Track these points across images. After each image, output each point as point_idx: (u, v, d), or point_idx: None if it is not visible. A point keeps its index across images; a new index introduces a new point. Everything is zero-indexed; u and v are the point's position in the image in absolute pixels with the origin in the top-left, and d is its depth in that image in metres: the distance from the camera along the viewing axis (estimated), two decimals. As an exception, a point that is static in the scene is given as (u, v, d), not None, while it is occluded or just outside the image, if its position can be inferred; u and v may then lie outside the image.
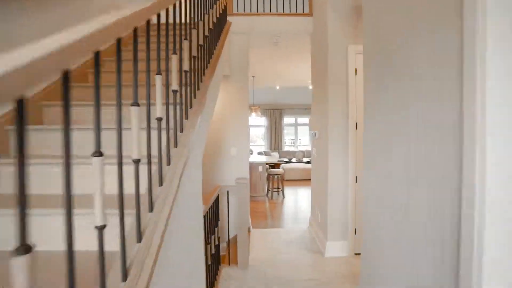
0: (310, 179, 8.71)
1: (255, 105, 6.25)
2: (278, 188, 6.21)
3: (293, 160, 9.78)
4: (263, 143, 11.99)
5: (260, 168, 5.44)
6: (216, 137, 3.67)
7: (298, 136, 12.19)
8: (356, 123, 2.89)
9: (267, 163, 5.76)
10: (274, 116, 11.72)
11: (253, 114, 6.28)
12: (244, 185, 2.58)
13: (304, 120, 12.19)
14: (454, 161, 1.04)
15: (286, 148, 12.48)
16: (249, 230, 3.71)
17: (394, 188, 1.51)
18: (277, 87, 10.93)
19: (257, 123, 12.05)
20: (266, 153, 11.00)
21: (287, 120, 12.02)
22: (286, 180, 7.90)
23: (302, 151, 11.12)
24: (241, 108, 3.71)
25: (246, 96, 3.73)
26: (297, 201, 5.67)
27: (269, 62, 5.58)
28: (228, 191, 2.73)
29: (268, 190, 6.05)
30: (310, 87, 10.35)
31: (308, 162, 9.49)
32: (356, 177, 2.92)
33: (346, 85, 2.93)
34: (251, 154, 8.68)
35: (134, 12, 0.77)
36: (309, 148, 12.23)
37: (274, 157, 10.94)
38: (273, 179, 5.78)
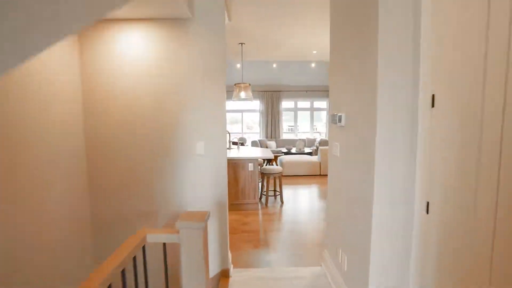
0: (313, 175, 7.36)
1: (245, 82, 4.73)
2: (274, 190, 4.79)
3: (293, 150, 8.35)
4: (258, 130, 10.52)
5: (251, 166, 4.00)
6: (165, 125, 2.19)
7: (297, 122, 10.71)
8: (433, 96, 1.42)
9: (261, 159, 4.31)
10: (271, 99, 10.19)
11: (242, 93, 4.79)
12: (197, 233, 1.14)
13: (305, 104, 10.66)
14: None
15: (284, 136, 11.03)
16: (227, 275, 2.30)
17: None
18: (274, 65, 9.35)
19: (251, 107, 10.51)
20: (261, 143, 9.55)
21: (286, 104, 10.50)
22: (285, 176, 6.49)
23: (302, 140, 9.68)
24: (214, 79, 2.21)
25: (222, 59, 2.22)
26: (299, 208, 4.27)
27: (263, 22, 4.03)
28: (165, 245, 1.29)
29: (261, 194, 4.64)
30: (313, 65, 8.75)
31: (310, 153, 8.07)
32: (428, 203, 1.48)
33: (412, 17, 1.44)
34: (241, 145, 7.18)
35: None
36: (311, 136, 10.79)
37: (271, 147, 9.51)
38: (268, 179, 4.36)
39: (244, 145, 9.50)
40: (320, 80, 9.97)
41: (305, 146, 9.72)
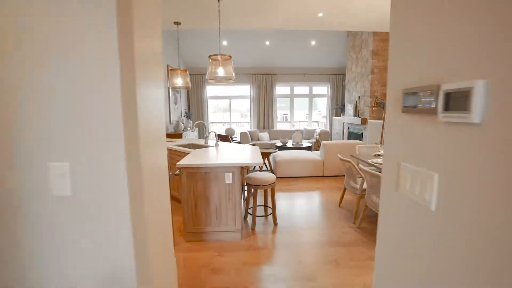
0: (314, 177, 5.12)
1: (224, 54, 3.34)
2: (265, 206, 3.49)
3: (289, 144, 7.04)
4: (249, 120, 9.16)
5: (229, 177, 2.67)
6: None
7: (294, 110, 9.35)
8: None
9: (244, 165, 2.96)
10: (263, 83, 8.78)
11: (220, 70, 3.40)
12: None
13: (302, 89, 9.28)
14: None
15: (278, 126, 9.70)
16: None
17: None
18: (267, 43, 7.89)
19: (240, 92, 9.09)
20: (252, 134, 8.21)
21: (280, 89, 9.11)
22: (278, 178, 5.20)
23: (299, 131, 8.37)
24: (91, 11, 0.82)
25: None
26: (301, 233, 2.99)
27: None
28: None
29: (246, 212, 3.33)
30: (313, 43, 7.27)
31: (308, 148, 6.78)
32: None
33: None
34: (221, 140, 5.80)
35: None
36: (308, 127, 9.48)
37: (263, 139, 8.17)
38: (255, 192, 3.04)
39: (232, 139, 8.15)
40: (321, 61, 8.56)
41: (303, 138, 8.42)
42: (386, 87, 6.51)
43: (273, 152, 5.49)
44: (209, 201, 2.71)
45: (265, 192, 3.36)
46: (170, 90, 7.12)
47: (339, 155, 3.46)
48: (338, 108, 8.78)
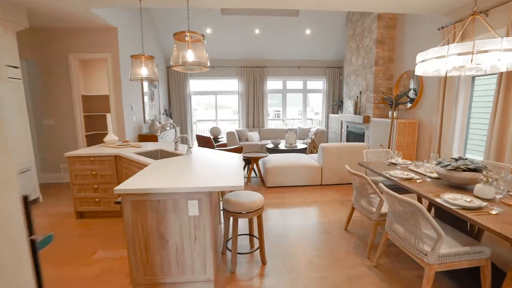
0: (311, 185, 3.59)
1: (195, 33, 2.46)
2: (251, 235, 2.65)
3: (281, 145, 6.22)
4: (237, 117, 8.29)
5: (193, 207, 1.82)
6: None
7: (287, 107, 8.52)
8: None
9: (220, 188, 2.09)
10: (253, 77, 7.91)
11: (189, 53, 2.53)
12: None
13: (296, 84, 8.45)
14: None
15: (270, 125, 8.87)
16: None
17: None
18: (257, 31, 7.02)
19: (228, 87, 8.19)
20: (240, 134, 7.35)
21: (272, 84, 8.25)
22: (269, 188, 4.37)
23: (293, 131, 7.56)
24: None
25: None
26: (297, 277, 2.17)
27: None
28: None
29: (225, 246, 2.49)
30: (308, 31, 6.32)
31: (303, 150, 5.98)
32: None
33: None
34: (211, 143, 4.90)
35: None
36: (303, 125, 8.68)
37: (253, 139, 7.33)
38: (235, 222, 2.20)
39: (217, 141, 7.27)
40: (316, 53, 7.73)
41: (296, 139, 7.62)
42: (392, 81, 5.78)
43: (263, 157, 4.66)
44: (166, 241, 1.86)
45: (250, 221, 2.53)
46: (148, 84, 6.20)
47: (347, 167, 2.64)
48: (335, 105, 7.99)
